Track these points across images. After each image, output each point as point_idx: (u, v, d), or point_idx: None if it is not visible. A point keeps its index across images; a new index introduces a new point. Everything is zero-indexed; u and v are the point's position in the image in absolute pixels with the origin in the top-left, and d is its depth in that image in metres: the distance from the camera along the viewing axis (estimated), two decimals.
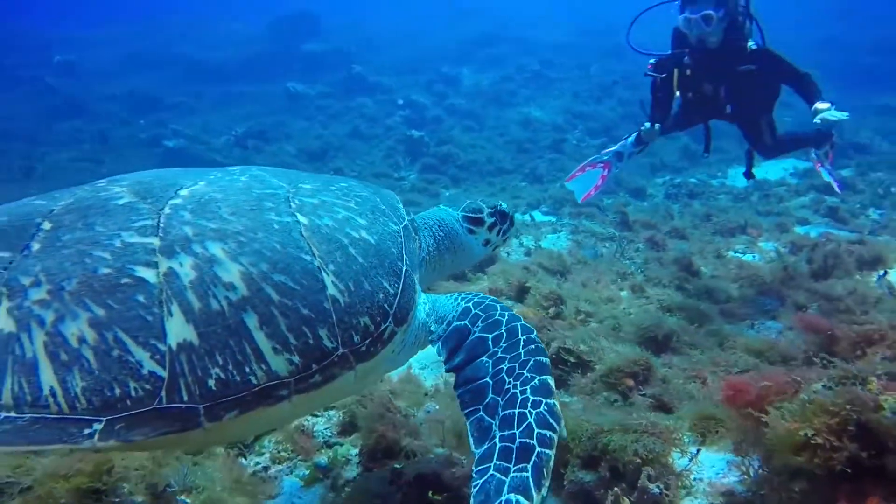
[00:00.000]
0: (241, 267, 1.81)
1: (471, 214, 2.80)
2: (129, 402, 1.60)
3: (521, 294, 5.25)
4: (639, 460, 2.18)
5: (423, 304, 2.32)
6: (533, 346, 2.09)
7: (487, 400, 1.97)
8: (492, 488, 1.76)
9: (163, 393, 1.63)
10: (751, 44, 5.51)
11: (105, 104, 18.76)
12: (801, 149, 6.91)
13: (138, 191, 1.98)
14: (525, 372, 1.98)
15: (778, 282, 5.78)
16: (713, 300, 5.52)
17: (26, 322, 1.60)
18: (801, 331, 3.81)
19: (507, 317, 2.19)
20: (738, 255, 7.54)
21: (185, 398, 1.65)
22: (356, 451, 3.01)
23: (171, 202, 1.92)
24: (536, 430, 1.84)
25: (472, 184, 12.93)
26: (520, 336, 2.11)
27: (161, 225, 1.83)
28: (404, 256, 2.20)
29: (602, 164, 6.57)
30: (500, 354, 2.06)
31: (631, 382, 3.25)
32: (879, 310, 4.64)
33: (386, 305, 2.04)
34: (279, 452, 3.18)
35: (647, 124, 6.07)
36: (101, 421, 1.56)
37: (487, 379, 2.01)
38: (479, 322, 2.17)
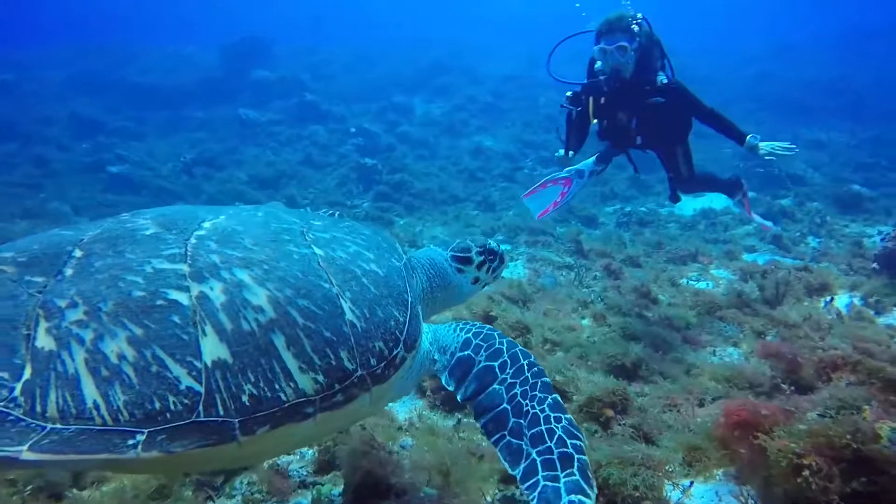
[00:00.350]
0: (267, 292, 1.91)
1: (459, 254, 2.90)
2: (168, 415, 1.66)
3: (486, 323, 5.25)
4: (638, 494, 2.19)
5: (426, 333, 2.43)
6: (536, 369, 2.26)
7: (511, 425, 2.10)
8: (550, 495, 1.90)
9: (200, 407, 1.70)
10: (661, 77, 5.71)
11: (44, 127, 18.08)
12: (714, 192, 7.08)
13: (163, 223, 2.07)
14: (537, 393, 2.15)
15: (734, 308, 5.94)
16: (673, 327, 5.62)
17: (66, 340, 1.65)
18: (765, 358, 3.90)
19: (506, 344, 2.34)
20: (692, 282, 7.73)
21: (222, 412, 1.72)
22: (339, 490, 2.93)
23: (195, 233, 2.02)
24: (569, 441, 2.02)
25: (426, 212, 12.94)
26: (522, 361, 2.26)
27: (189, 253, 1.92)
28: (408, 289, 2.32)
29: (563, 181, 6.70)
30: (509, 380, 2.20)
31: (611, 412, 3.28)
32: (833, 335, 4.82)
33: (397, 332, 2.15)
34: (252, 494, 3.06)
35: (561, 151, 6.19)
36: (143, 432, 1.62)
37: (504, 405, 2.15)
38: (482, 351, 2.30)
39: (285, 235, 2.16)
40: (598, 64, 5.74)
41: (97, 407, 1.60)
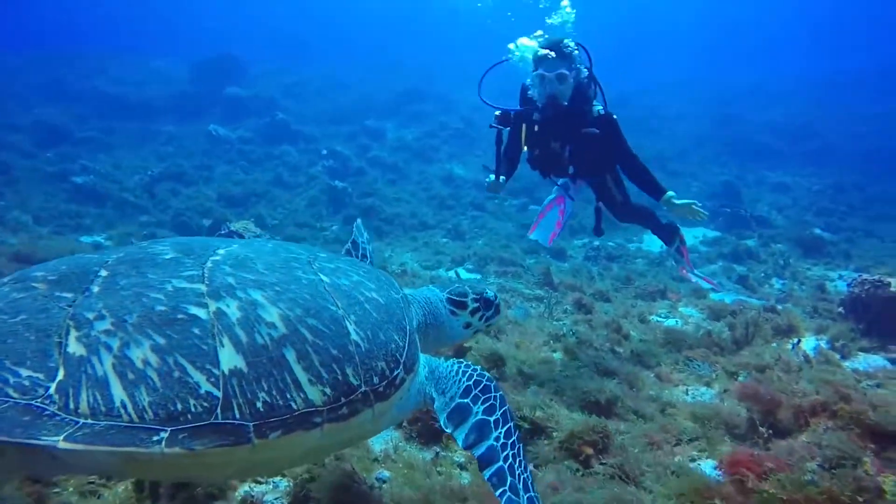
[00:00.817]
0: (279, 310, 2.08)
1: (455, 297, 3.05)
2: (189, 416, 1.79)
3: (459, 353, 5.18)
4: None
5: (423, 365, 2.56)
6: (519, 433, 2.45)
7: (509, 483, 2.29)
8: None
9: (218, 410, 1.83)
10: (598, 108, 5.63)
11: (7, 133, 17.56)
12: (649, 228, 6.96)
13: (181, 249, 2.24)
14: (523, 460, 2.36)
15: (705, 348, 5.97)
16: (645, 365, 5.62)
17: (95, 347, 1.80)
18: (743, 400, 3.89)
19: (499, 400, 2.49)
20: (660, 319, 7.77)
21: (238, 416, 1.86)
22: None
23: (211, 258, 2.20)
24: None
25: (395, 237, 12.89)
26: (510, 422, 2.44)
27: (206, 275, 2.09)
28: (406, 318, 2.50)
29: (556, 201, 6.61)
30: (503, 440, 2.38)
31: (590, 450, 3.23)
32: (804, 378, 4.86)
33: (397, 354, 2.32)
34: None
35: (492, 177, 5.99)
36: (166, 430, 1.75)
37: (502, 464, 2.33)
38: (480, 403, 2.46)
39: (294, 263, 2.34)
40: (533, 90, 5.64)
41: (124, 406, 1.74)
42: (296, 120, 20.71)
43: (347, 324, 2.20)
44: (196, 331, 1.91)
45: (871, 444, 3.26)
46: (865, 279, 6.76)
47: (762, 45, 47.25)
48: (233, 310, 2.00)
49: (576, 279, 9.60)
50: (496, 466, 2.31)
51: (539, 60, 5.56)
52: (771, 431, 3.65)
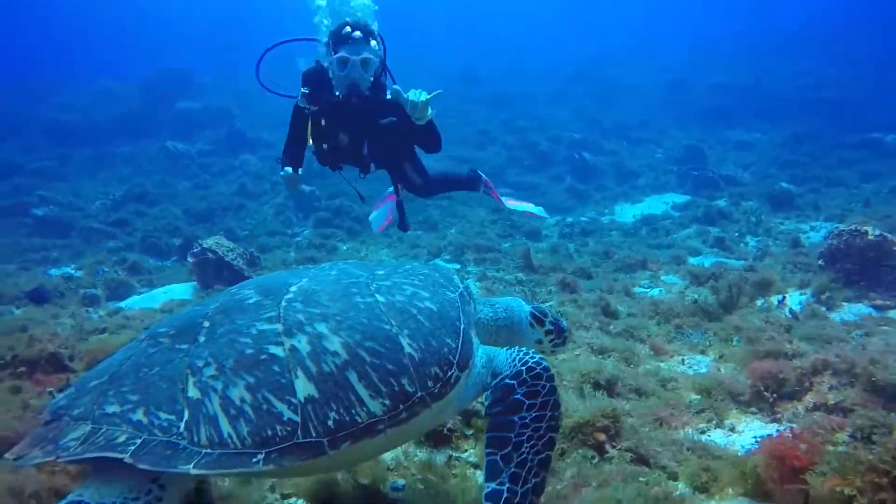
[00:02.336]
0: (341, 339, 2.43)
1: (537, 313, 3.26)
2: (277, 439, 2.24)
3: None
4: None
5: (481, 357, 2.77)
6: (553, 423, 2.57)
7: (505, 451, 2.49)
8: None
9: (299, 432, 2.25)
10: (390, 95, 5.21)
11: None
12: (456, 190, 6.86)
13: (262, 291, 2.66)
14: (539, 445, 2.50)
15: (693, 316, 6.00)
16: (638, 339, 5.62)
17: (207, 390, 2.28)
18: (758, 380, 3.85)
19: (546, 389, 2.61)
20: (644, 290, 7.81)
21: (314, 434, 2.27)
22: None
23: (285, 297, 2.58)
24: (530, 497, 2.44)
25: (369, 235, 12.75)
26: (548, 411, 2.56)
27: (281, 315, 2.49)
28: (461, 317, 2.74)
29: (390, 198, 6.75)
30: (527, 421, 2.54)
31: (603, 436, 3.21)
32: (796, 336, 4.91)
33: (450, 356, 2.58)
34: None
35: (289, 169, 5.32)
36: (262, 453, 2.21)
37: (512, 436, 2.51)
38: (525, 387, 2.61)
39: (353, 289, 2.67)
40: (332, 73, 5.13)
41: (230, 436, 2.21)
42: (251, 127, 20.39)
43: (401, 339, 2.49)
44: (276, 368, 2.33)
45: (878, 398, 3.32)
46: (843, 230, 6.85)
47: (692, 12, 47.86)
48: (303, 344, 2.38)
49: (555, 258, 9.60)
50: (503, 435, 2.50)
51: (339, 41, 5.01)
52: (776, 395, 3.68)
